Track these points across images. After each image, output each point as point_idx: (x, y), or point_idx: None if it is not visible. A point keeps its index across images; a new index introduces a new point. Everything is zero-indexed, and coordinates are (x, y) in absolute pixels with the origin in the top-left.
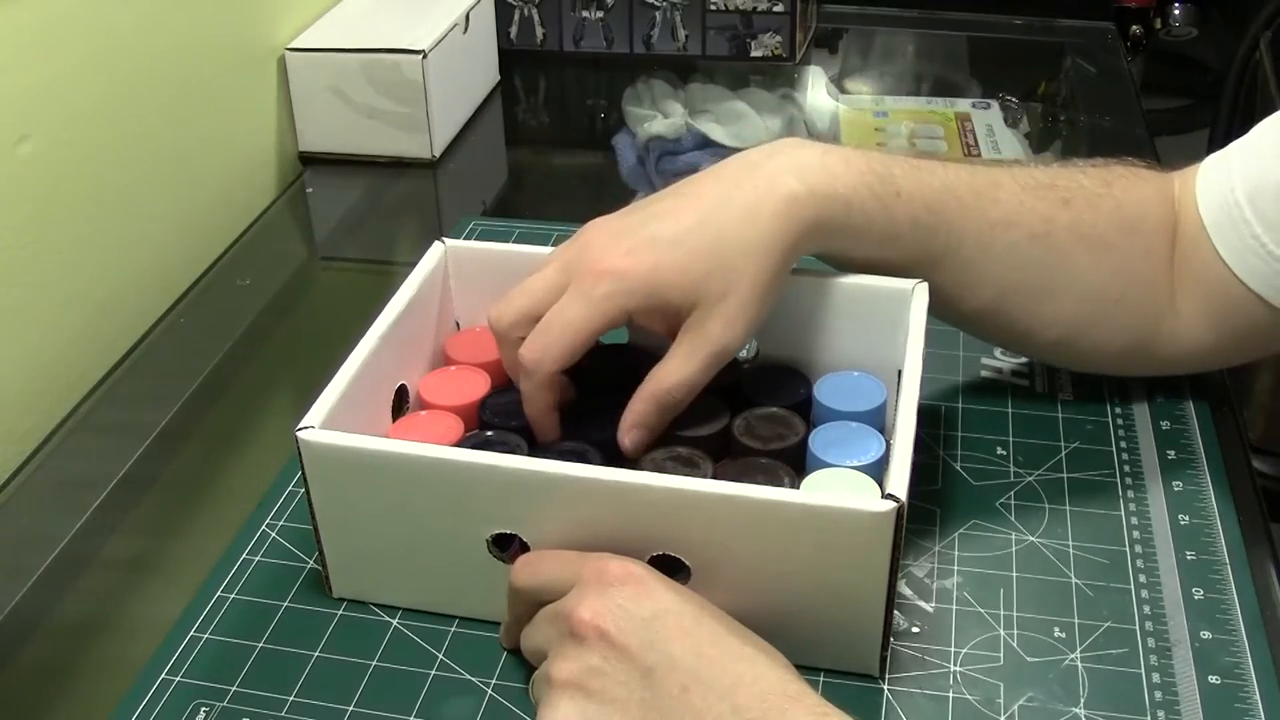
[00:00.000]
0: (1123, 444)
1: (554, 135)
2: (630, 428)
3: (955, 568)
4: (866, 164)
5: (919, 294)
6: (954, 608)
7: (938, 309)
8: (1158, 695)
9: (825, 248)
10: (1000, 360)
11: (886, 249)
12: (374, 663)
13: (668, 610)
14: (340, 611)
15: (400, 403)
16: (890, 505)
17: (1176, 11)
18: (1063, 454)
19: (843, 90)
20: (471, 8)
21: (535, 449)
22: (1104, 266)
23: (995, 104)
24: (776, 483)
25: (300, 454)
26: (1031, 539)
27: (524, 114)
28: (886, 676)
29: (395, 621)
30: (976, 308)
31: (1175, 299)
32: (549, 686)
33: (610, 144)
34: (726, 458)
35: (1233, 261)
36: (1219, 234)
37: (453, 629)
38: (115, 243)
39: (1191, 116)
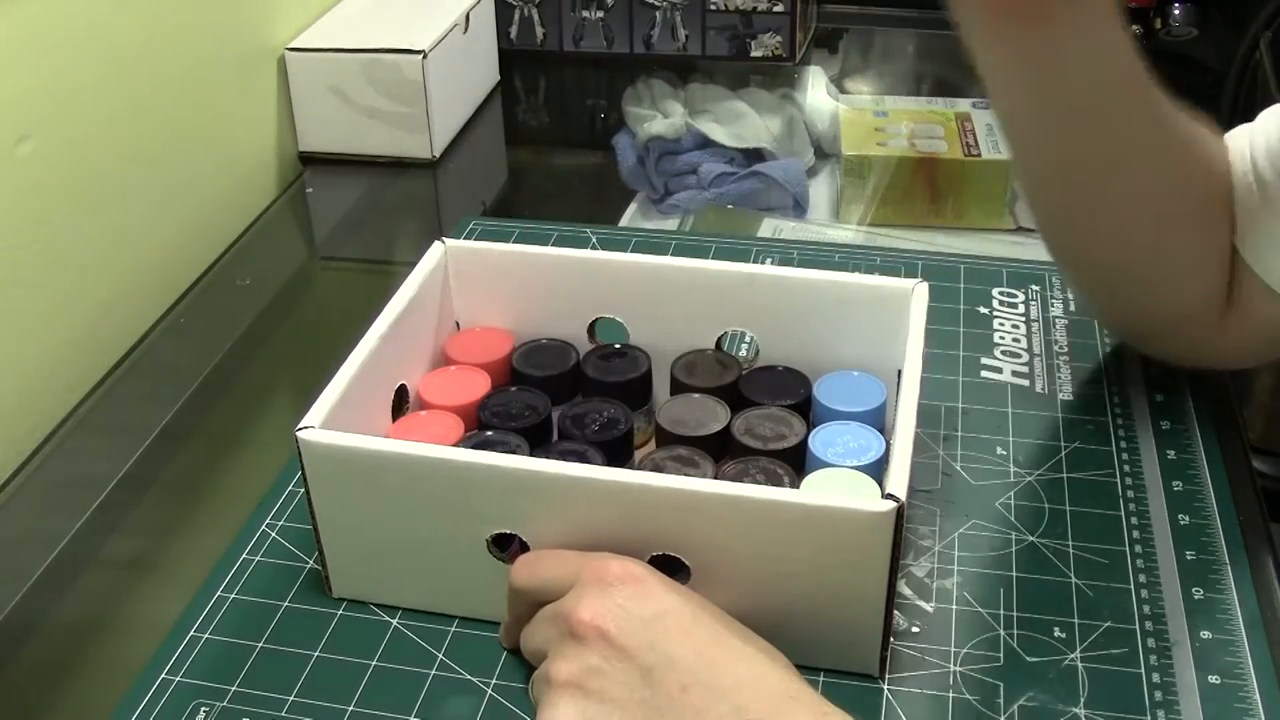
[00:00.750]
0: (1123, 444)
1: (554, 135)
2: None
3: (955, 568)
4: None
5: (919, 294)
6: (954, 608)
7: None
8: (1158, 695)
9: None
10: (1000, 360)
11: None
12: (374, 663)
13: (668, 610)
14: (340, 611)
15: (400, 403)
16: (890, 505)
17: (1176, 11)
18: (1063, 454)
19: (843, 90)
20: (471, 8)
21: (535, 449)
22: (1226, 213)
23: None
24: (776, 483)
25: (300, 454)
26: (1031, 539)
27: (524, 114)
28: (886, 676)
29: (395, 621)
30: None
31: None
32: (548, 686)
33: (610, 144)
34: (726, 458)
35: (1249, 256)
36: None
37: (453, 629)
38: (115, 243)
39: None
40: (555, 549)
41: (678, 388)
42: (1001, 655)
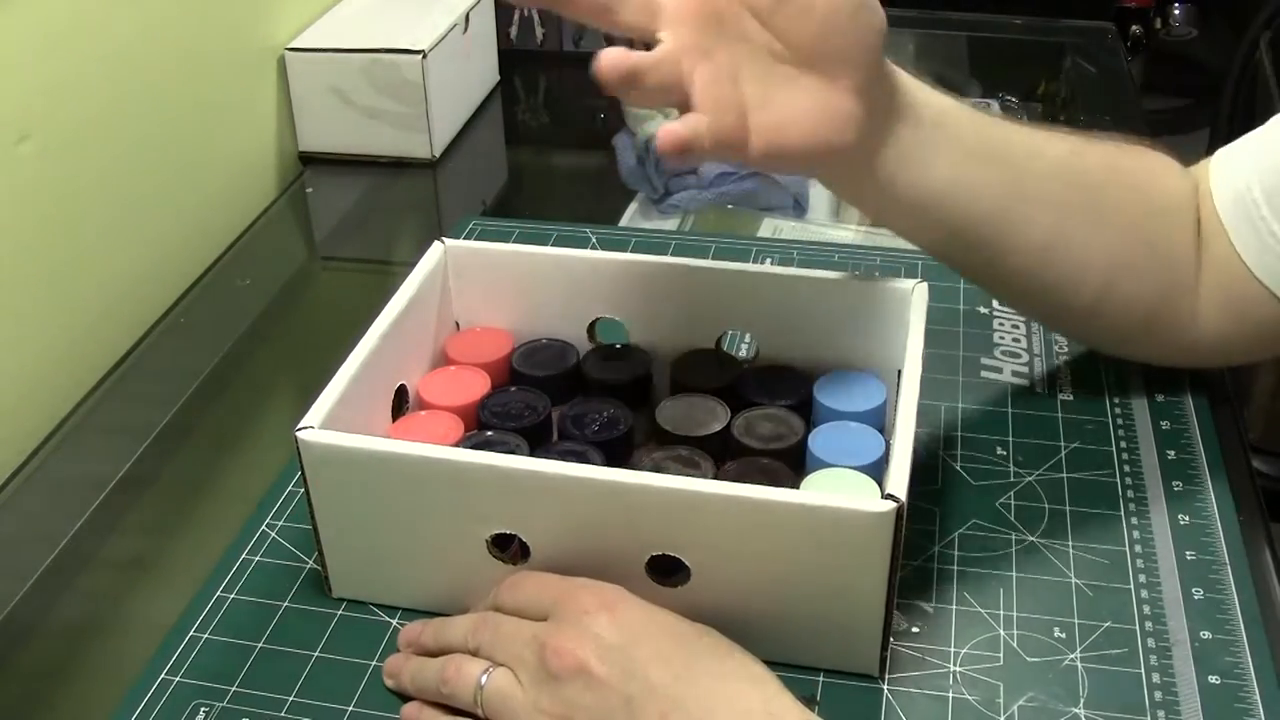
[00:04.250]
0: (1123, 444)
1: (554, 135)
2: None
3: (955, 568)
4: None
5: (919, 294)
6: (954, 608)
7: (1002, 261)
8: (1158, 695)
9: (901, 147)
10: (1000, 360)
11: (957, 159)
12: (374, 663)
13: (644, 636)
14: (340, 611)
15: (400, 403)
16: (890, 505)
17: (1176, 11)
18: (1063, 454)
19: None
20: (471, 8)
21: (535, 449)
22: (1137, 206)
23: (995, 104)
24: (776, 483)
25: (300, 454)
26: (1031, 539)
27: (524, 114)
28: (886, 676)
29: (395, 621)
30: (1040, 238)
31: (1198, 281)
32: (522, 711)
33: (610, 144)
34: (726, 458)
35: (1250, 260)
36: (1235, 232)
37: None
38: (115, 243)
39: (1191, 116)
40: (541, 572)
41: (678, 388)
42: (1001, 655)
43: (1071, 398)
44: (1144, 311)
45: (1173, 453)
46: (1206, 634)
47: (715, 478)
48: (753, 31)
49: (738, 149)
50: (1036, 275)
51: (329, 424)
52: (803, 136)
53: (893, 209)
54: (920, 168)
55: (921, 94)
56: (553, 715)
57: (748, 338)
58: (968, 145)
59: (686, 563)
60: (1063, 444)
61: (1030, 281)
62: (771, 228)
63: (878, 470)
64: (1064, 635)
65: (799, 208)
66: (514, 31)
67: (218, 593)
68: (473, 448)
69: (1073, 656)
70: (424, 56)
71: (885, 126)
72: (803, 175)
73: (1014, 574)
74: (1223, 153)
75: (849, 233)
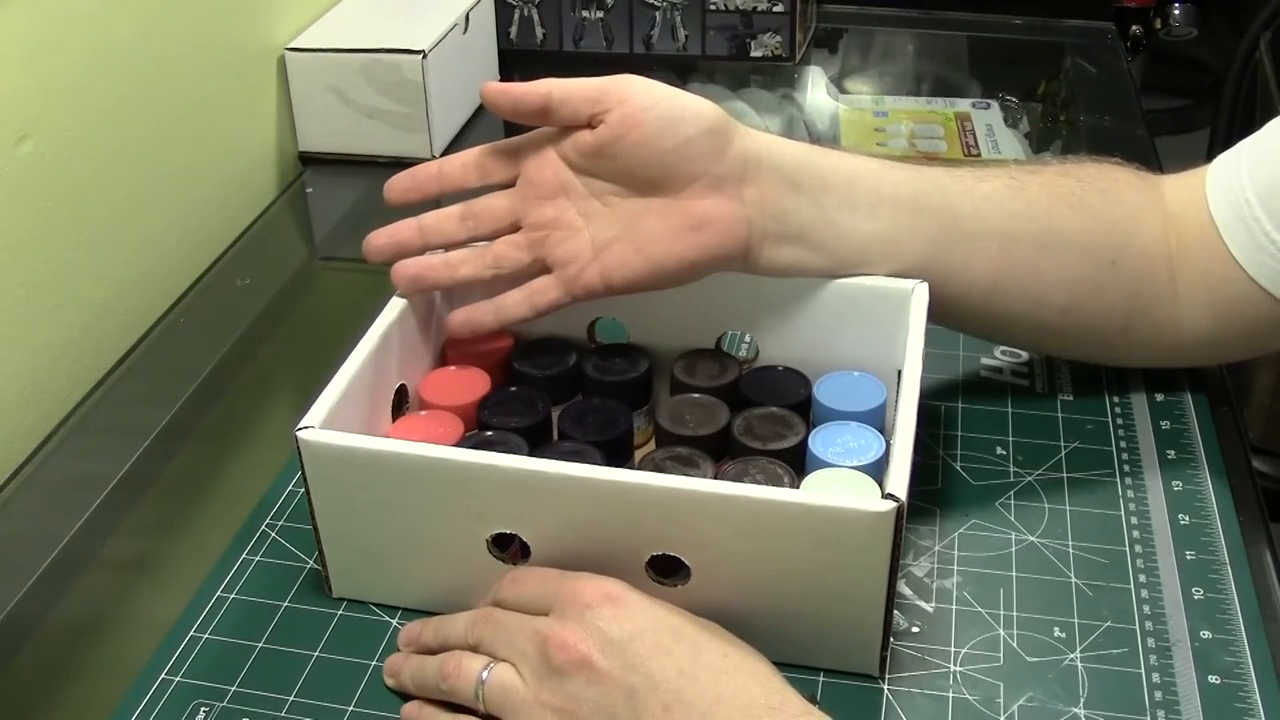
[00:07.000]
0: (1123, 444)
1: None
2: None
3: (955, 568)
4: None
5: (919, 294)
6: (954, 608)
7: (954, 301)
8: (1158, 695)
9: (820, 211)
10: (1000, 360)
11: (879, 213)
12: (374, 663)
13: (646, 629)
14: (340, 611)
15: (400, 403)
16: (890, 505)
17: (1176, 11)
18: (1063, 454)
19: (843, 90)
20: (471, 8)
21: (535, 449)
22: (1091, 226)
23: (995, 104)
24: (776, 483)
25: (300, 454)
26: (1031, 539)
27: None
28: (886, 676)
29: (395, 621)
30: (985, 274)
31: (1176, 285)
32: (524, 706)
33: None
34: (726, 458)
35: (1245, 260)
36: (1230, 232)
37: None
38: (115, 243)
39: (1191, 116)
40: (542, 567)
41: (678, 388)
42: (1001, 655)
43: (1071, 398)
44: (1118, 324)
45: (1173, 453)
46: (1206, 634)
47: (715, 478)
48: (584, 183)
49: (590, 291)
50: (994, 308)
51: (329, 424)
52: (660, 256)
53: (831, 271)
54: (840, 231)
55: (826, 160)
56: (555, 709)
57: (748, 338)
58: (888, 197)
59: (686, 563)
60: (1063, 444)
61: (990, 314)
62: None
63: (878, 470)
64: (1064, 635)
65: None
66: (514, 31)
67: (218, 593)
68: (473, 448)
69: (1073, 656)
70: (424, 56)
71: (780, 205)
72: (697, 277)
73: (1014, 574)
74: (1220, 160)
75: None
